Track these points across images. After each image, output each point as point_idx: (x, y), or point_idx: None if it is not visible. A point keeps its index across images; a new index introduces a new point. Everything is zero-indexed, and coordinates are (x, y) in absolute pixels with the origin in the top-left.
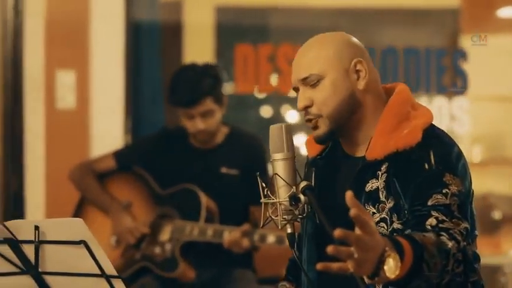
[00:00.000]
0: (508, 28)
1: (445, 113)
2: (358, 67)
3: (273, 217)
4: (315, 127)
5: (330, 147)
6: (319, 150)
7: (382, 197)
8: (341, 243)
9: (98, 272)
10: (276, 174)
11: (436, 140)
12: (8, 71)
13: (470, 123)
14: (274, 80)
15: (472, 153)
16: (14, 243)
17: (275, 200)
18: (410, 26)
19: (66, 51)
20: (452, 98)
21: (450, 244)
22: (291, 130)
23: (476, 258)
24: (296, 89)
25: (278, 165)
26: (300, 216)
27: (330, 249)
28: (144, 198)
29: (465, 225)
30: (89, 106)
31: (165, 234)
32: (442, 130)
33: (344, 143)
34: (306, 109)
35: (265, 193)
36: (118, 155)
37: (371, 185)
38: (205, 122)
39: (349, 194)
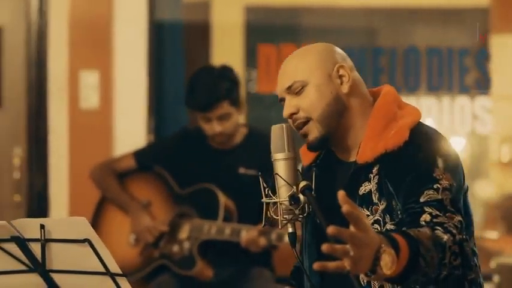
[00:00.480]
0: None
1: (467, 112)
2: (341, 72)
3: (274, 216)
4: (305, 134)
5: (324, 155)
6: (312, 158)
7: (375, 199)
8: (338, 243)
9: (103, 270)
10: (276, 174)
11: (424, 137)
12: (33, 71)
13: (493, 123)
14: None
15: (501, 153)
16: (21, 242)
17: (275, 200)
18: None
19: (89, 51)
20: (475, 97)
21: (445, 237)
22: (292, 130)
23: (474, 255)
24: (282, 100)
25: (279, 165)
26: (300, 216)
27: (324, 247)
28: (164, 198)
29: (459, 218)
30: (112, 106)
31: (183, 233)
32: (431, 127)
33: (336, 149)
34: (291, 116)
35: (266, 193)
36: (138, 154)
37: (364, 188)
38: (222, 125)
39: (341, 193)
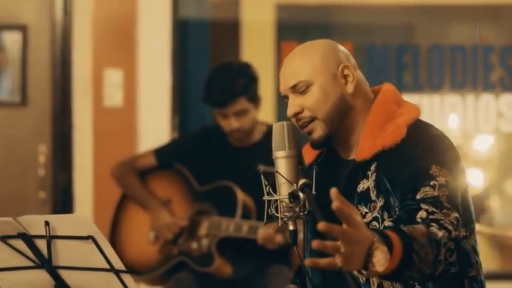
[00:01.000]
0: None
1: (492, 110)
2: (346, 72)
3: (275, 214)
4: (310, 132)
5: (325, 153)
6: (314, 157)
7: (373, 196)
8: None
9: (107, 266)
10: (277, 172)
11: (422, 134)
12: (57, 70)
13: None
14: None
15: None
16: (28, 238)
17: (275, 198)
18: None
19: (113, 50)
20: (500, 95)
21: (440, 234)
22: (293, 128)
23: (475, 252)
24: (286, 98)
25: (280, 163)
26: (301, 214)
27: (314, 244)
28: (183, 195)
29: (455, 215)
30: (136, 104)
31: (202, 230)
32: (429, 124)
33: (339, 148)
34: (296, 116)
35: (267, 190)
36: (158, 152)
37: (362, 185)
38: (240, 121)
39: (333, 190)
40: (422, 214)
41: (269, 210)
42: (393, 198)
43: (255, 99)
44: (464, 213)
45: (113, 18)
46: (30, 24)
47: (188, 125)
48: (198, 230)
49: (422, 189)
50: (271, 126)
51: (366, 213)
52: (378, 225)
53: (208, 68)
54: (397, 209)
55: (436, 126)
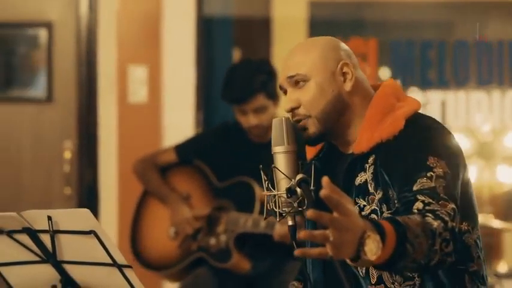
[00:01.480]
0: None
1: None
2: (345, 69)
3: (275, 209)
4: (304, 128)
5: (326, 148)
6: (315, 152)
7: (371, 189)
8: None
9: (109, 260)
10: (275, 167)
11: (420, 126)
12: (83, 66)
13: None
14: None
15: None
16: (33, 233)
17: (274, 193)
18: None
19: (138, 46)
20: None
21: (435, 224)
22: (292, 124)
23: (478, 247)
24: (282, 89)
25: (279, 158)
26: (300, 209)
27: (302, 234)
28: (203, 191)
29: (452, 206)
30: (161, 100)
31: (220, 226)
32: (429, 116)
33: (337, 143)
34: (292, 110)
35: (267, 185)
36: (179, 148)
37: (360, 178)
38: (258, 118)
39: (324, 179)
40: (418, 205)
41: (268, 205)
42: (392, 190)
43: (273, 96)
44: (467, 207)
45: (138, 15)
46: (55, 21)
47: (212, 121)
48: (217, 226)
49: (419, 180)
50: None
51: (364, 206)
52: (376, 218)
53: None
54: (395, 202)
55: (462, 123)
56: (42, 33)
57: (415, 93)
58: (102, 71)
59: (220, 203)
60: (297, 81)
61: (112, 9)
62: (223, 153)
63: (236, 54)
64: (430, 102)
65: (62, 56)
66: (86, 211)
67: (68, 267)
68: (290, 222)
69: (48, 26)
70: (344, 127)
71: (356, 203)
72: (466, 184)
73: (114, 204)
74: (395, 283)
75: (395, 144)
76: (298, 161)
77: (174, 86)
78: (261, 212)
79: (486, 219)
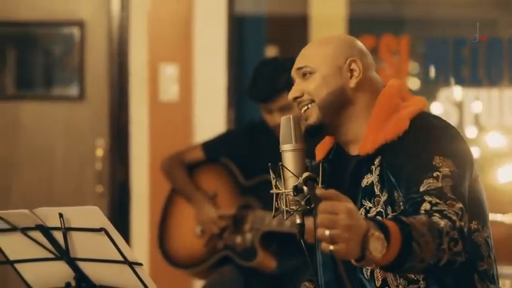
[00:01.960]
0: None
1: None
2: (352, 66)
3: (283, 207)
4: (306, 118)
5: (335, 150)
6: (325, 153)
7: (377, 190)
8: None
9: (120, 257)
10: (282, 164)
11: (425, 126)
12: (114, 65)
13: None
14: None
15: None
16: (46, 230)
17: (281, 191)
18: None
19: (169, 44)
20: None
21: (442, 223)
22: (299, 122)
23: (488, 246)
24: (293, 80)
25: (286, 156)
26: (307, 207)
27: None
28: (229, 189)
29: (459, 205)
30: (192, 98)
31: (246, 224)
32: (436, 116)
33: (344, 144)
34: (296, 100)
35: (274, 184)
36: (206, 146)
37: (366, 180)
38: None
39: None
40: (426, 206)
41: (276, 203)
42: (397, 192)
43: None
44: (476, 205)
45: (169, 13)
46: (87, 19)
47: (243, 119)
48: (243, 225)
49: (425, 181)
50: None
51: (370, 208)
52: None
53: None
54: (401, 204)
55: (495, 121)
56: (75, 32)
57: (448, 91)
58: (134, 70)
59: (247, 201)
60: (305, 73)
61: (144, 7)
62: (250, 152)
63: (272, 53)
64: (463, 101)
65: (94, 54)
66: (95, 209)
67: (81, 264)
68: (298, 221)
69: (81, 25)
70: (345, 122)
71: (362, 205)
72: (474, 182)
73: (146, 201)
74: (400, 286)
75: (400, 145)
76: (306, 159)
77: (205, 84)
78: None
79: None
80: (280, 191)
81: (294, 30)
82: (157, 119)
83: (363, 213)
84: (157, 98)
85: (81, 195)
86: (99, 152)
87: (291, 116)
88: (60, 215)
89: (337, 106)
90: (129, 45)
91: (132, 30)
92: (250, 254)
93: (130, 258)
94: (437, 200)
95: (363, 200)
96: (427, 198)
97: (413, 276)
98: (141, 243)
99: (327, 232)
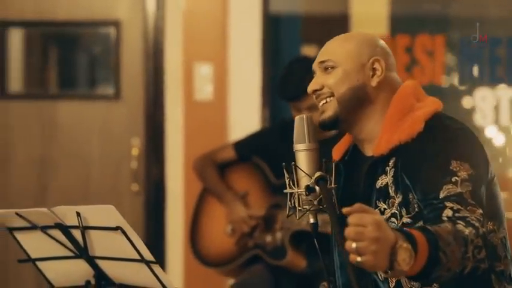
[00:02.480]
0: None
1: None
2: (375, 65)
3: (297, 207)
4: (322, 112)
5: (351, 151)
6: (341, 154)
7: (391, 192)
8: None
9: (136, 256)
10: (294, 164)
11: (440, 128)
12: (150, 64)
13: None
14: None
15: None
16: (65, 229)
17: (294, 190)
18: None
19: (204, 44)
20: None
21: (467, 231)
22: (313, 121)
23: (505, 246)
24: (314, 73)
25: (300, 156)
26: (321, 207)
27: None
28: (260, 188)
29: (480, 211)
30: (227, 97)
31: (277, 223)
32: (450, 117)
33: (359, 143)
34: (315, 92)
35: (288, 183)
36: (237, 145)
37: (381, 181)
38: (314, 115)
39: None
40: (448, 212)
41: (290, 203)
42: (412, 194)
43: None
44: (492, 206)
45: (204, 13)
46: (123, 19)
47: (278, 118)
48: (274, 223)
49: (444, 187)
50: None
51: (385, 209)
52: (396, 222)
53: None
54: (415, 206)
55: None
56: (111, 32)
57: (484, 91)
58: (169, 69)
59: (277, 200)
60: (326, 68)
61: (179, 7)
62: (281, 150)
63: (310, 52)
64: (500, 100)
65: (129, 53)
66: (111, 207)
67: (100, 263)
68: (312, 220)
69: (117, 24)
70: (360, 120)
71: (376, 206)
72: (490, 183)
73: (181, 200)
74: (413, 287)
75: (415, 147)
76: (320, 159)
77: (240, 83)
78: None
79: None
80: (293, 191)
81: (333, 29)
82: (192, 118)
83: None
84: (192, 98)
85: (117, 194)
86: (135, 151)
87: (305, 115)
88: (78, 214)
89: (356, 103)
90: (165, 44)
91: (168, 30)
92: (280, 253)
93: (146, 256)
94: (459, 206)
95: (377, 201)
96: (449, 204)
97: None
98: (176, 242)
99: (354, 245)
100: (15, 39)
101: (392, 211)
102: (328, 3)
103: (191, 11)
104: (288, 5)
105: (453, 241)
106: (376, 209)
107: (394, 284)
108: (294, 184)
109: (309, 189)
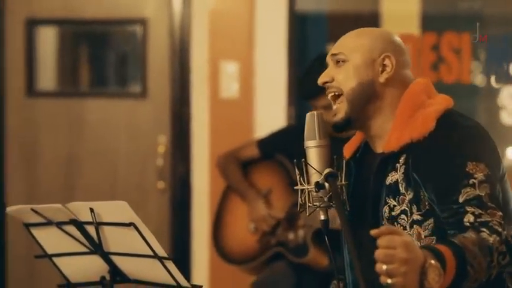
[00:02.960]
0: None
1: None
2: (386, 62)
3: (308, 204)
4: (335, 113)
5: (362, 148)
6: (352, 152)
7: (401, 189)
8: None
9: (149, 252)
10: (304, 161)
11: (452, 127)
12: (176, 62)
13: None
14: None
15: None
16: (79, 224)
17: (304, 187)
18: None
19: (230, 42)
20: None
21: (491, 239)
22: (323, 118)
23: None
24: (327, 66)
25: (310, 153)
26: (331, 204)
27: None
28: (284, 186)
29: (500, 213)
30: (252, 96)
31: (299, 221)
32: (461, 114)
33: (370, 139)
34: (325, 84)
35: (299, 180)
36: (261, 143)
37: (391, 178)
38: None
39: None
40: (469, 218)
41: (301, 199)
42: (423, 192)
43: None
44: (504, 202)
45: (231, 11)
46: (150, 17)
47: (304, 116)
48: (296, 221)
49: (463, 190)
50: None
51: (394, 206)
52: (406, 218)
53: None
54: (426, 203)
55: None
56: (138, 30)
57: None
58: (195, 67)
59: None
60: (338, 61)
61: (205, 5)
62: (304, 148)
63: None
64: None
65: (156, 52)
66: (123, 203)
67: (114, 259)
68: (322, 217)
69: (143, 22)
70: (371, 116)
71: (386, 203)
72: (501, 179)
73: (206, 197)
74: None
75: (427, 145)
76: (331, 156)
77: (266, 81)
78: None
79: None
80: (303, 187)
81: (362, 27)
82: (218, 116)
83: (386, 211)
84: (218, 96)
85: (143, 191)
86: (161, 149)
87: (315, 112)
88: (91, 210)
89: (365, 99)
90: (191, 42)
91: (194, 28)
92: (303, 251)
93: (159, 252)
94: (480, 211)
95: (387, 198)
96: (469, 209)
97: None
98: (201, 239)
99: (384, 267)
100: (46, 37)
101: (403, 208)
102: (358, 1)
103: (217, 9)
104: (314, 4)
105: (479, 252)
106: (386, 206)
107: None
108: (304, 181)
109: (319, 186)
